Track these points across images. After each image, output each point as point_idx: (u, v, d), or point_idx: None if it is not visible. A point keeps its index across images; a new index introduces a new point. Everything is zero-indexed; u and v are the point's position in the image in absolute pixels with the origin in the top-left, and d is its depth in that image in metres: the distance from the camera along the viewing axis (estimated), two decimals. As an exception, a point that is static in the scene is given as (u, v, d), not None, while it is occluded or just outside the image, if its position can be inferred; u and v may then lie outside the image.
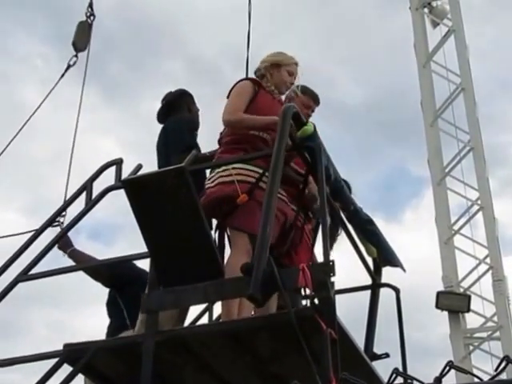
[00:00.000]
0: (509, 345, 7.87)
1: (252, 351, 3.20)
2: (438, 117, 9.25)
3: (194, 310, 4.49)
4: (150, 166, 4.22)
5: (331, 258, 3.07)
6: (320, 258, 3.31)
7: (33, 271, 3.84)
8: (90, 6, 6.84)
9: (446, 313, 8.20)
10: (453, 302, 8.15)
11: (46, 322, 16.39)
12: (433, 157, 9.05)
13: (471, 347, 8.23)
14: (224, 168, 3.82)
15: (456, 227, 8.73)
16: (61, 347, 3.35)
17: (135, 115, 16.50)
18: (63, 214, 4.07)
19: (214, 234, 3.86)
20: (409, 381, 2.40)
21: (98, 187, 3.95)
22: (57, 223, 4.07)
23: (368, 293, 4.23)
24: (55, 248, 4.23)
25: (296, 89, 4.29)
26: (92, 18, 6.84)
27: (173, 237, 3.23)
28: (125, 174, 3.81)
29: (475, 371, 7.33)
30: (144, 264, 4.27)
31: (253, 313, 3.64)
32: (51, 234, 4.04)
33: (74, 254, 4.67)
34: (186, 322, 4.23)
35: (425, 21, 9.85)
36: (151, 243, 3.26)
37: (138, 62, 17.23)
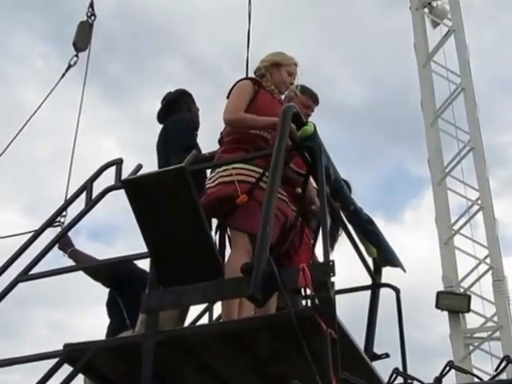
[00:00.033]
0: (509, 345, 7.87)
1: (252, 351, 3.20)
2: (438, 117, 9.25)
3: (194, 310, 4.50)
4: (150, 166, 4.22)
5: (331, 258, 3.08)
6: (320, 258, 3.31)
7: (33, 271, 3.84)
8: (91, 5, 6.84)
9: (446, 313, 8.20)
10: (453, 302, 8.15)
11: (46, 322, 16.41)
12: (433, 157, 9.05)
13: (471, 347, 8.23)
14: (224, 168, 3.83)
15: (456, 227, 8.73)
16: (61, 347, 3.35)
17: (135, 115, 16.51)
18: (64, 214, 4.07)
19: (215, 234, 3.86)
20: (409, 381, 2.40)
21: (98, 187, 3.96)
22: (57, 223, 4.07)
23: (368, 293, 4.23)
24: (55, 248, 4.24)
25: (295, 89, 4.29)
26: (93, 17, 6.84)
27: (173, 237, 3.23)
28: (125, 174, 3.81)
29: (475, 371, 7.33)
30: (144, 264, 4.27)
31: (252, 313, 3.64)
32: (51, 234, 4.05)
33: (75, 254, 4.67)
34: (186, 322, 4.23)
35: (425, 21, 9.85)
36: (151, 243, 3.26)
37: (138, 62, 17.26)
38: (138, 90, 17.90)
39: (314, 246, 4.15)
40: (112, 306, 4.71)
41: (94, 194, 3.93)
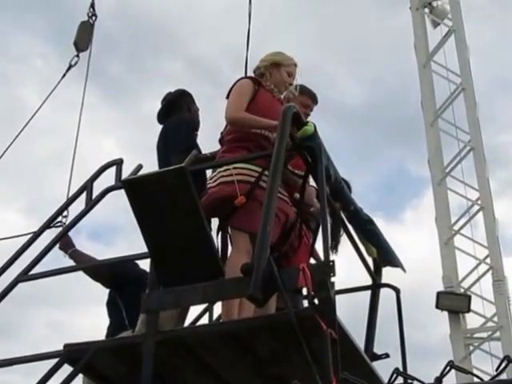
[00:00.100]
0: (509, 345, 7.86)
1: (252, 351, 3.20)
2: (439, 117, 9.24)
3: (194, 311, 4.50)
4: (150, 166, 4.22)
5: (331, 258, 3.08)
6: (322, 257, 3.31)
7: (33, 271, 3.84)
8: (92, 6, 6.84)
9: (446, 313, 8.20)
10: (453, 302, 8.15)
11: (46, 322, 16.41)
12: (433, 157, 9.04)
13: (471, 347, 8.22)
14: (226, 168, 3.83)
15: (456, 227, 8.73)
16: (61, 347, 3.35)
17: (135, 115, 16.52)
18: (65, 214, 4.06)
19: (217, 234, 3.86)
20: (409, 381, 2.40)
21: (98, 187, 3.96)
22: (59, 223, 4.06)
23: (368, 293, 4.23)
24: (56, 248, 4.23)
25: (293, 90, 4.29)
26: (94, 18, 6.83)
27: (173, 237, 3.23)
28: (125, 174, 3.81)
29: (475, 371, 7.32)
30: (144, 264, 4.27)
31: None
32: (51, 234, 4.05)
33: (75, 254, 4.68)
34: (186, 323, 4.23)
35: (425, 21, 9.84)
36: (151, 243, 3.26)
37: (138, 62, 17.26)
38: (138, 90, 17.92)
39: (313, 246, 4.16)
40: (112, 306, 4.71)
41: (94, 194, 3.93)
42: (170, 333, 3.29)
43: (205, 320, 4.61)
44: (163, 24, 17.08)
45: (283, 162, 3.22)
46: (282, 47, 4.39)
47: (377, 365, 3.72)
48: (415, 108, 9.58)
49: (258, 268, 2.80)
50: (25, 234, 4.03)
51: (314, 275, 2.87)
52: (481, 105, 9.27)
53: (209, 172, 4.03)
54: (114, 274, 4.61)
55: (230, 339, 3.14)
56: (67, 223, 4.04)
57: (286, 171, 3.80)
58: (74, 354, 3.31)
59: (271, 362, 3.26)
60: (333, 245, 4.22)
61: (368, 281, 4.19)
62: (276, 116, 3.55)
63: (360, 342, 3.77)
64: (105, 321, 4.73)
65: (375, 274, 4.22)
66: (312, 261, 4.09)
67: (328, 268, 2.98)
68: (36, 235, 3.95)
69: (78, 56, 6.72)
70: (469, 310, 8.15)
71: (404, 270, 4.28)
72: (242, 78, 4.19)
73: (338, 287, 3.04)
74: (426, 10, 9.90)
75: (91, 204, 3.88)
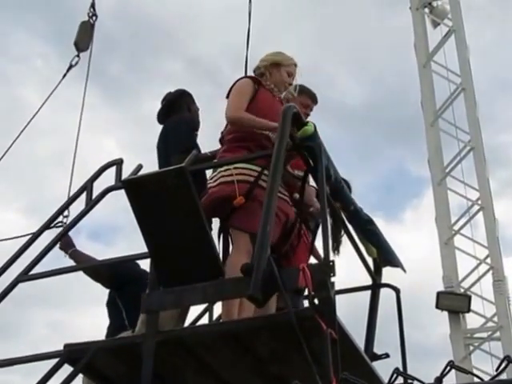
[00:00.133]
0: (509, 345, 7.86)
1: (252, 351, 3.20)
2: (439, 117, 9.24)
3: (194, 311, 4.50)
4: (151, 166, 4.22)
5: (331, 258, 3.08)
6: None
7: (33, 271, 3.84)
8: (93, 6, 6.83)
9: (446, 313, 8.20)
10: (453, 302, 8.15)
11: (46, 322, 16.41)
12: (433, 157, 9.04)
13: (471, 347, 8.22)
14: (226, 167, 3.83)
15: (456, 227, 8.72)
16: (61, 347, 3.35)
17: (135, 115, 16.52)
18: (66, 214, 4.06)
19: (218, 235, 3.86)
20: (409, 381, 2.40)
21: (98, 187, 3.96)
22: (60, 224, 4.06)
23: (368, 293, 4.23)
24: (56, 248, 4.23)
25: (292, 90, 4.30)
26: (94, 18, 6.83)
27: (173, 237, 3.23)
28: (125, 175, 3.81)
29: (475, 371, 7.32)
30: (144, 264, 4.27)
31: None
32: (51, 234, 4.05)
33: (75, 254, 4.68)
34: (186, 323, 4.23)
35: (425, 21, 9.84)
36: (151, 243, 3.26)
37: (138, 62, 17.26)
38: (138, 90, 17.91)
39: (312, 245, 4.16)
40: (112, 306, 4.71)
41: (95, 194, 3.93)
42: (170, 333, 3.29)
43: (205, 320, 4.62)
44: (163, 24, 17.11)
45: (283, 161, 3.22)
46: (281, 47, 4.40)
47: (377, 365, 3.72)
48: (415, 108, 9.59)
49: (258, 268, 2.80)
50: (26, 235, 4.02)
51: (313, 275, 2.87)
52: (481, 105, 9.29)
53: (209, 171, 4.03)
54: (114, 274, 4.61)
55: (230, 339, 3.14)
56: (67, 223, 4.04)
57: (285, 173, 3.80)
58: (74, 354, 3.31)
59: (271, 361, 3.26)
60: (334, 246, 4.22)
61: (368, 281, 4.19)
62: (276, 116, 3.55)
63: (360, 342, 3.77)
64: (105, 321, 4.74)
65: (375, 274, 4.22)
66: (312, 259, 4.11)
67: (328, 268, 2.98)
68: (36, 235, 3.95)
69: (78, 56, 6.72)
70: (469, 310, 8.15)
71: (404, 270, 4.28)
72: (242, 78, 4.19)
73: (338, 287, 3.04)
74: (426, 9, 9.89)
75: (91, 204, 3.88)
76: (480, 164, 8.86)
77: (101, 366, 3.42)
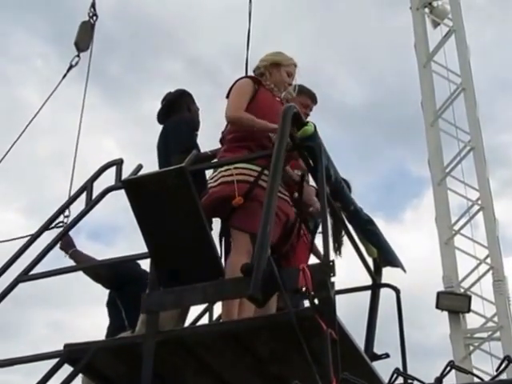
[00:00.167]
0: (509, 345, 7.86)
1: (252, 351, 3.20)
2: (439, 117, 9.24)
3: (194, 311, 4.50)
4: (151, 166, 4.22)
5: (332, 258, 3.08)
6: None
7: (33, 271, 3.84)
8: (93, 6, 6.83)
9: (446, 313, 8.20)
10: (453, 302, 8.14)
11: (47, 322, 16.41)
12: (433, 157, 9.04)
13: (471, 347, 8.22)
14: (226, 167, 3.83)
15: (456, 227, 8.72)
16: (61, 347, 3.35)
17: (135, 115, 16.51)
18: (67, 214, 4.06)
19: (220, 235, 3.86)
20: (409, 381, 2.40)
21: (98, 187, 3.96)
22: (61, 224, 4.05)
23: (368, 293, 4.23)
24: (56, 249, 4.23)
25: (291, 90, 4.30)
26: (95, 18, 6.82)
27: (173, 237, 3.23)
28: (125, 175, 3.81)
29: (475, 371, 7.32)
30: (144, 264, 4.27)
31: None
32: (52, 234, 4.04)
33: (76, 254, 4.68)
34: (187, 323, 4.23)
35: (425, 21, 9.83)
36: (151, 243, 3.26)
37: (138, 62, 17.25)
38: (138, 90, 17.91)
39: (311, 246, 4.16)
40: (112, 306, 4.71)
41: (95, 194, 3.92)
42: (170, 333, 3.29)
43: (205, 320, 4.61)
44: (163, 24, 17.11)
45: (283, 162, 3.22)
46: (282, 47, 4.40)
47: (377, 365, 3.72)
48: (415, 108, 9.59)
49: (258, 268, 2.80)
50: (26, 236, 4.01)
51: (314, 275, 2.87)
52: (481, 105, 9.29)
53: (210, 171, 4.03)
54: (114, 275, 4.61)
55: (230, 339, 3.14)
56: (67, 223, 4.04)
57: (284, 172, 3.80)
58: (75, 354, 3.31)
59: (271, 361, 3.26)
60: (336, 246, 4.22)
61: (368, 281, 4.19)
62: (276, 115, 3.55)
63: (360, 342, 3.77)
64: (105, 321, 4.74)
65: (375, 274, 4.22)
66: (313, 258, 4.12)
67: (328, 268, 2.98)
68: (37, 235, 3.95)
69: (78, 56, 6.71)
70: (469, 310, 8.15)
71: (404, 271, 4.28)
72: (242, 78, 4.19)
73: (338, 287, 3.04)
74: (427, 9, 9.89)
75: (91, 204, 3.88)
76: (480, 164, 8.86)
77: (101, 366, 3.42)
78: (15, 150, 6.52)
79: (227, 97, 4.07)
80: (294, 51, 4.33)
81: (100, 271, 4.62)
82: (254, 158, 3.81)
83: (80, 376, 3.74)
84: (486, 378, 2.44)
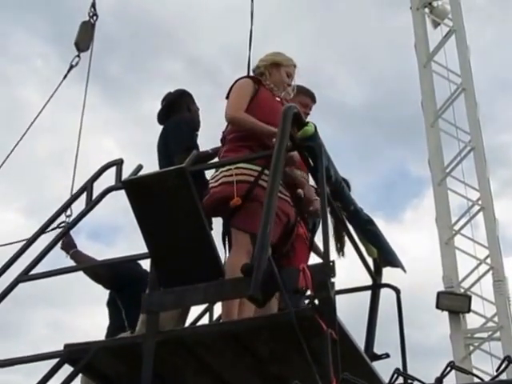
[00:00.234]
0: (509, 345, 7.86)
1: (252, 351, 3.20)
2: (439, 117, 9.24)
3: (194, 311, 4.50)
4: (151, 166, 4.22)
5: (332, 258, 3.08)
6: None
7: (34, 271, 3.84)
8: (93, 5, 6.82)
9: (446, 313, 8.19)
10: (453, 302, 8.14)
11: (47, 322, 16.42)
12: (433, 157, 9.03)
13: (471, 347, 8.22)
14: (228, 167, 3.83)
15: (456, 227, 8.72)
16: (61, 347, 3.35)
17: (135, 115, 16.51)
18: (69, 214, 4.05)
19: (223, 235, 3.86)
20: (410, 381, 2.40)
21: (98, 188, 3.96)
22: (63, 224, 4.05)
23: (368, 293, 4.23)
24: (56, 249, 4.23)
25: (290, 91, 4.30)
26: (95, 18, 6.82)
27: (173, 237, 3.23)
28: (125, 175, 3.81)
29: (475, 371, 7.32)
30: (144, 264, 4.27)
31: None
32: (52, 234, 4.04)
33: (77, 255, 4.68)
34: (187, 323, 4.23)
35: (425, 21, 9.82)
36: (151, 244, 3.26)
37: (138, 62, 17.25)
38: (138, 90, 17.91)
39: (310, 245, 4.16)
40: (112, 306, 4.71)
41: (95, 194, 3.92)
42: (170, 333, 3.30)
43: (205, 320, 4.62)
44: (163, 24, 17.11)
45: (284, 162, 3.22)
46: (282, 47, 4.41)
47: (377, 365, 3.72)
48: (415, 108, 9.58)
49: (258, 268, 2.80)
50: (26, 239, 4.00)
51: (314, 275, 2.87)
52: (481, 105, 9.27)
53: (211, 171, 4.03)
54: (114, 276, 4.61)
55: (230, 339, 3.15)
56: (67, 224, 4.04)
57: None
58: (75, 354, 3.31)
59: (271, 361, 3.26)
60: (338, 246, 4.22)
61: (368, 281, 4.19)
62: (276, 115, 3.55)
63: (360, 342, 3.77)
64: (105, 321, 4.74)
65: (375, 274, 4.22)
66: (313, 256, 4.12)
67: (328, 268, 2.98)
68: (37, 236, 3.95)
69: (78, 56, 6.71)
70: (469, 310, 8.15)
71: (404, 271, 4.28)
72: (242, 78, 4.19)
73: (338, 287, 3.04)
74: (427, 9, 9.88)
75: (91, 204, 3.88)
76: (480, 164, 8.86)
77: (101, 366, 3.42)
78: (15, 150, 6.52)
79: (227, 97, 4.08)
80: (294, 51, 4.35)
81: (100, 271, 4.62)
82: (254, 158, 3.81)
83: (79, 376, 3.74)
84: (486, 378, 2.44)
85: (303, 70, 4.34)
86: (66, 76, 6.70)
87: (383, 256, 4.21)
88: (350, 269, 4.60)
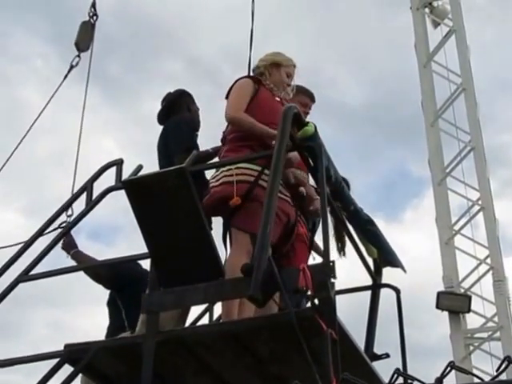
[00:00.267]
0: (509, 345, 7.86)
1: (252, 351, 3.21)
2: (439, 117, 9.24)
3: (194, 311, 4.50)
4: (151, 166, 4.22)
5: (333, 258, 3.08)
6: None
7: (34, 271, 3.84)
8: (93, 5, 6.82)
9: (446, 313, 8.20)
10: (453, 302, 8.14)
11: (47, 322, 16.42)
12: (433, 157, 9.03)
13: (471, 347, 8.22)
14: (228, 167, 3.83)
15: (457, 227, 8.72)
16: (62, 347, 3.35)
17: (135, 115, 16.52)
18: (70, 213, 4.06)
19: (223, 235, 3.86)
20: (409, 381, 2.40)
21: (98, 188, 3.96)
22: (64, 224, 4.05)
23: (368, 293, 4.23)
24: (56, 248, 4.23)
25: (289, 91, 4.30)
26: (95, 18, 6.82)
27: (173, 237, 3.23)
28: (125, 175, 3.81)
29: (475, 371, 7.32)
30: (145, 264, 4.27)
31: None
32: (52, 234, 4.04)
33: (77, 255, 4.68)
34: (187, 323, 4.23)
35: (426, 21, 9.83)
36: (151, 244, 3.26)
37: (138, 62, 17.25)
38: (138, 91, 17.91)
39: (310, 245, 4.16)
40: (112, 306, 4.71)
41: (95, 194, 3.93)
42: (170, 333, 3.30)
43: (205, 320, 4.62)
44: (163, 24, 17.11)
45: (284, 162, 3.22)
46: (282, 47, 4.41)
47: (377, 365, 3.72)
48: (415, 108, 9.59)
49: (258, 268, 2.80)
50: (26, 241, 4.00)
51: (314, 275, 2.87)
52: (481, 105, 9.28)
53: (212, 170, 4.03)
54: (114, 276, 4.61)
55: (230, 339, 3.15)
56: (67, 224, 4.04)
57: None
58: (75, 354, 3.31)
59: (271, 361, 3.26)
60: (339, 246, 4.22)
61: (368, 281, 4.19)
62: (276, 115, 3.55)
63: (360, 342, 3.77)
64: (105, 321, 4.74)
65: (375, 274, 4.22)
66: (313, 255, 4.12)
67: (328, 268, 2.98)
68: (37, 236, 3.95)
69: (79, 56, 6.71)
70: (469, 310, 8.15)
71: (404, 271, 4.28)
72: (241, 78, 4.19)
73: (338, 287, 3.04)
74: (427, 9, 9.88)
75: (91, 204, 3.88)
76: (480, 164, 8.86)
77: (101, 366, 3.42)
78: (16, 150, 6.52)
79: (227, 97, 4.08)
80: (294, 51, 4.35)
81: (100, 271, 4.62)
82: (255, 158, 3.82)
83: (79, 376, 3.74)
84: (486, 378, 2.44)
85: (303, 69, 4.35)
86: (66, 76, 6.70)
87: (383, 256, 4.21)
88: (350, 269, 4.60)
